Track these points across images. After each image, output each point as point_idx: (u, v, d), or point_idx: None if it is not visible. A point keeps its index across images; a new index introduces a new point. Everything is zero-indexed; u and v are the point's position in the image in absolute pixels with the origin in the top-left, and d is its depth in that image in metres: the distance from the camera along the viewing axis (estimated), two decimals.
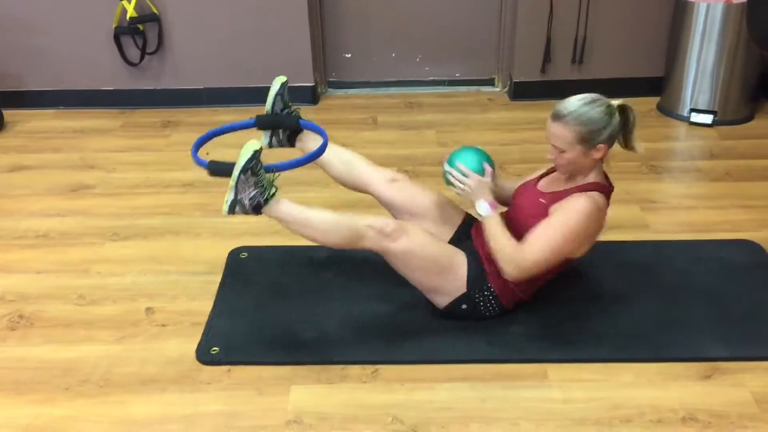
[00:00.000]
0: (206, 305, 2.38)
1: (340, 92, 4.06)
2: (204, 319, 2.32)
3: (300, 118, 2.38)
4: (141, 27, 3.66)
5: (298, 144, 2.43)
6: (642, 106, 3.73)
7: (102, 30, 3.69)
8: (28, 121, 3.75)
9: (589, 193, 2.08)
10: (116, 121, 3.77)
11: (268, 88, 2.19)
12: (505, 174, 3.07)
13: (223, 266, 2.57)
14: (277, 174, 2.07)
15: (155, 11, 3.65)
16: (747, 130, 3.49)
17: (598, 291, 2.41)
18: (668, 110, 3.65)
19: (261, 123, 2.36)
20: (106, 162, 3.34)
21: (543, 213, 2.11)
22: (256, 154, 1.98)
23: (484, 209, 2.14)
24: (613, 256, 2.55)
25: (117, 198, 3.04)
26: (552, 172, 2.28)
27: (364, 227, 2.09)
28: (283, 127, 2.38)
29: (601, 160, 2.11)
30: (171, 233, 2.79)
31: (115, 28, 3.67)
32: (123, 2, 3.59)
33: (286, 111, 2.37)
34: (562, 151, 2.08)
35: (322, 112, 3.83)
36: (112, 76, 3.82)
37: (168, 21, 3.71)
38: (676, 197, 2.97)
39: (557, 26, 3.69)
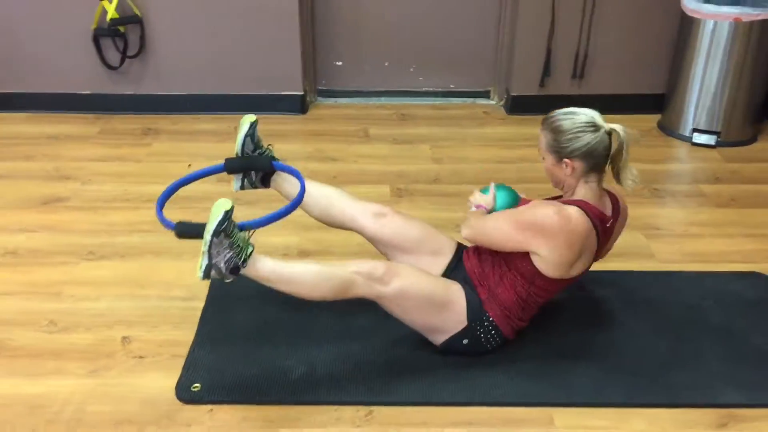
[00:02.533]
0: (188, 335, 2.22)
1: (330, 101, 3.90)
2: (185, 350, 2.16)
3: (273, 158, 2.22)
4: (122, 29, 3.48)
5: (273, 185, 2.27)
6: (643, 123, 3.62)
7: (80, 31, 3.50)
8: None
9: (567, 206, 1.94)
10: (93, 127, 3.58)
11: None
12: None
13: (206, 292, 2.41)
14: (252, 231, 1.90)
15: (138, 13, 3.47)
16: (751, 153, 3.39)
17: (603, 323, 2.28)
18: (669, 129, 3.54)
19: (230, 167, 2.20)
20: (82, 172, 3.15)
21: None
22: (228, 215, 1.80)
23: (473, 208, 2.14)
24: (617, 286, 2.43)
25: (92, 213, 2.86)
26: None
27: (352, 275, 1.94)
28: (255, 169, 2.21)
29: (582, 178, 1.96)
30: (151, 253, 2.62)
31: (94, 29, 3.48)
32: (103, 2, 3.40)
33: (258, 151, 2.20)
34: (543, 158, 2.01)
35: (311, 123, 3.66)
36: (90, 79, 3.63)
37: (151, 23, 3.52)
38: (681, 224, 2.84)
39: (558, 39, 3.57)
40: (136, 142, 3.44)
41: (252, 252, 1.88)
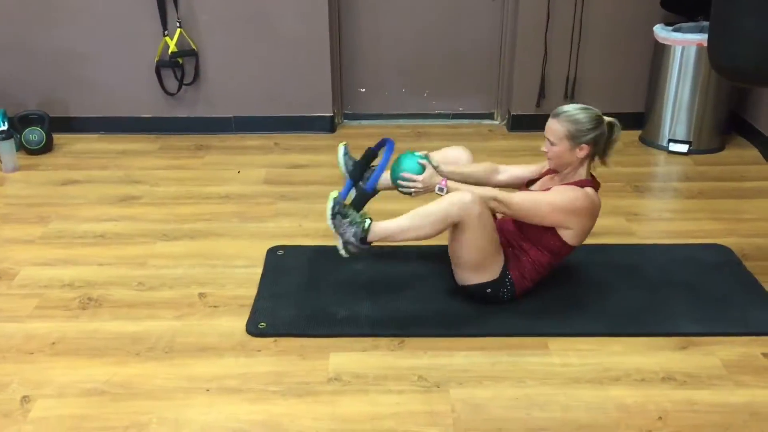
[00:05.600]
0: (251, 291, 2.74)
1: (355, 123, 4.49)
2: (250, 302, 2.68)
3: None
4: (180, 60, 4.09)
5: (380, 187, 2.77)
6: (626, 138, 4.14)
7: (145, 63, 4.11)
8: (73, 144, 4.15)
9: (584, 188, 2.49)
10: (154, 144, 4.17)
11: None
12: None
13: (263, 261, 2.94)
14: (365, 210, 2.50)
15: (194, 47, 4.09)
16: (718, 158, 3.94)
17: (593, 282, 2.79)
18: (649, 141, 4.10)
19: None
20: (149, 178, 3.72)
21: None
22: (336, 200, 2.38)
23: (443, 189, 2.46)
24: (603, 256, 2.94)
25: (162, 207, 3.42)
26: (539, 178, 2.68)
27: (446, 204, 2.37)
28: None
29: (586, 160, 2.50)
30: (214, 235, 3.16)
31: (157, 61, 4.08)
32: (166, 38, 4.02)
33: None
34: (553, 144, 2.49)
35: (339, 139, 4.23)
36: (151, 104, 4.23)
37: (204, 56, 4.14)
38: (657, 211, 3.38)
39: (551, 66, 4.16)
40: (192, 155, 4.02)
41: (371, 222, 2.41)
